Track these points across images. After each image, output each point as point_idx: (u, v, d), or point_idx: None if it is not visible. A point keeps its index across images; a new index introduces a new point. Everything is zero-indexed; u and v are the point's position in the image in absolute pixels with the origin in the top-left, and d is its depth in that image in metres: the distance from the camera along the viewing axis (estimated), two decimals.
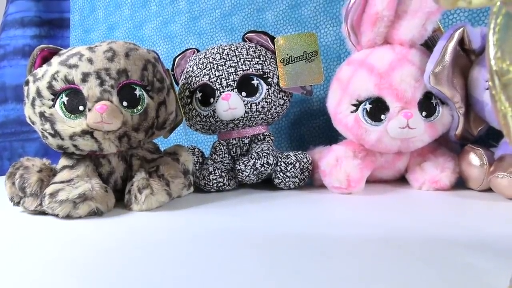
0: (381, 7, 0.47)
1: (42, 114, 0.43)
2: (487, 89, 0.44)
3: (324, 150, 0.53)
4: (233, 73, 0.53)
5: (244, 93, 0.53)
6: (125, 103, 0.44)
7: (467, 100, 0.47)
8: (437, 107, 0.48)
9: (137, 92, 0.44)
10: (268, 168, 0.50)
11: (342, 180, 0.46)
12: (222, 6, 0.79)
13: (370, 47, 0.50)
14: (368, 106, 0.48)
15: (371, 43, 0.50)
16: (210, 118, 0.55)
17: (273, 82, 0.55)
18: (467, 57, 0.48)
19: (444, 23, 0.59)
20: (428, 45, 0.51)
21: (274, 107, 0.55)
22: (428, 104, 0.48)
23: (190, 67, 0.57)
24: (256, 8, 0.75)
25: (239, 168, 0.50)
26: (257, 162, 0.49)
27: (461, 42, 0.46)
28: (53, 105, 0.43)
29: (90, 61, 0.43)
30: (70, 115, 0.43)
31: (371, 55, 0.49)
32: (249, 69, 0.54)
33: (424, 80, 0.46)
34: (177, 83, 0.61)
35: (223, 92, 0.53)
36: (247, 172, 0.50)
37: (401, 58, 0.48)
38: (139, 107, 0.45)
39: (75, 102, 0.43)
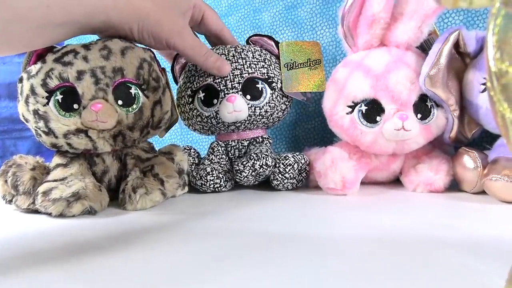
0: (378, 9, 0.47)
1: (36, 112, 0.43)
2: (482, 92, 0.45)
3: (319, 152, 0.53)
4: (239, 76, 0.53)
5: (248, 96, 0.53)
6: (120, 102, 0.43)
7: (462, 103, 0.48)
8: (432, 109, 0.48)
9: (133, 91, 0.44)
10: (267, 169, 0.50)
11: (337, 181, 0.46)
12: (219, 6, 0.78)
13: (366, 49, 0.51)
14: (363, 108, 0.49)
15: (367, 45, 0.50)
16: (212, 119, 0.54)
17: (277, 87, 0.54)
18: (462, 60, 0.48)
19: (440, 26, 0.59)
20: (424, 48, 0.51)
21: (276, 111, 0.55)
22: (423, 106, 0.48)
23: (193, 65, 0.56)
24: (253, 9, 0.75)
25: (237, 168, 0.50)
26: (256, 163, 0.49)
27: (456, 45, 0.46)
28: (47, 103, 0.42)
29: (85, 59, 0.42)
30: (65, 113, 0.42)
31: (367, 57, 0.50)
32: (254, 72, 0.53)
33: (420, 83, 0.47)
34: (176, 81, 0.60)
35: (227, 94, 0.52)
36: (245, 173, 0.50)
37: (397, 60, 0.48)
38: (134, 106, 0.44)
39: (70, 100, 0.42)
